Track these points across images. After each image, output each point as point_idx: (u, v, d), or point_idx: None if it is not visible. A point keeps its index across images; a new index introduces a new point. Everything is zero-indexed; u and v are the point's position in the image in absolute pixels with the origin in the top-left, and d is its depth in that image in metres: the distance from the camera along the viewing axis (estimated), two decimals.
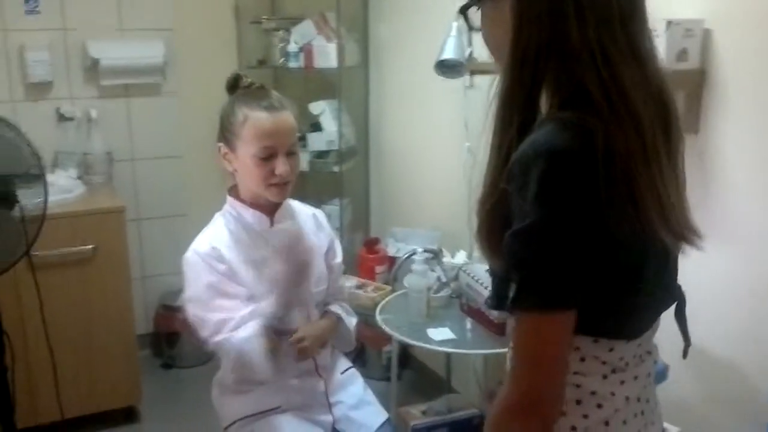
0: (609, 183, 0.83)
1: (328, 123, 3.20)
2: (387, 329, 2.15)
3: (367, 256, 2.69)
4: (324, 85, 3.33)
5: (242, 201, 1.72)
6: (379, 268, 2.70)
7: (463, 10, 1.01)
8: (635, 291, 0.94)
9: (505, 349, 2.01)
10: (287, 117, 1.66)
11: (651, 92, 0.91)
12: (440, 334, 2.10)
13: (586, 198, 0.83)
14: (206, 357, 3.37)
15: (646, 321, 1.01)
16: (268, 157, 1.62)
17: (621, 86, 0.86)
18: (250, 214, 1.72)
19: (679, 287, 1.07)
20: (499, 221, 0.90)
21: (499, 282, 0.94)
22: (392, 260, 2.69)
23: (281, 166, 1.63)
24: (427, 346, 2.07)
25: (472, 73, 2.21)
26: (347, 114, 3.29)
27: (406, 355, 3.03)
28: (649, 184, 0.87)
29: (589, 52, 0.86)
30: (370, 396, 1.91)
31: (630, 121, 0.86)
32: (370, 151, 3.46)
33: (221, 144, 1.69)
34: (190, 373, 3.28)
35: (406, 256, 2.58)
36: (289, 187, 1.69)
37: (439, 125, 2.87)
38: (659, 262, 0.97)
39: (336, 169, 3.21)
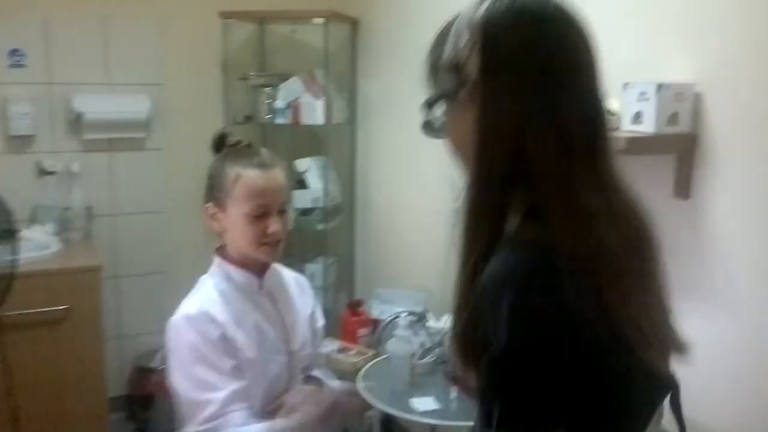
0: (578, 304, 0.81)
1: (314, 180, 3.15)
2: (369, 398, 2.05)
3: (350, 318, 2.60)
4: (311, 141, 3.30)
5: (231, 261, 1.65)
6: (362, 331, 2.61)
7: (426, 105, 0.98)
8: (624, 398, 0.88)
9: None
10: (278, 174, 1.62)
11: (618, 218, 0.89)
12: (424, 404, 2.01)
13: (558, 320, 0.81)
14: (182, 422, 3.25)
15: (642, 421, 0.95)
16: (260, 215, 1.57)
17: (585, 211, 0.85)
18: (239, 275, 1.65)
19: (673, 376, 1.00)
20: (471, 336, 0.87)
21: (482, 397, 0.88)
22: (376, 323, 2.60)
23: (274, 225, 1.57)
24: (411, 417, 1.97)
25: None
26: (333, 171, 3.25)
27: (388, 420, 2.90)
28: (619, 303, 0.84)
29: (553, 177, 0.86)
30: None
31: (594, 243, 0.84)
32: (355, 209, 3.41)
33: (209, 204, 1.63)
34: None
35: (390, 319, 2.50)
36: (281, 246, 1.63)
37: (425, 184, 2.83)
38: (645, 369, 0.91)
39: (321, 227, 3.14)
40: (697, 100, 1.68)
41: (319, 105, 3.09)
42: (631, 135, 1.64)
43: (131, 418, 3.25)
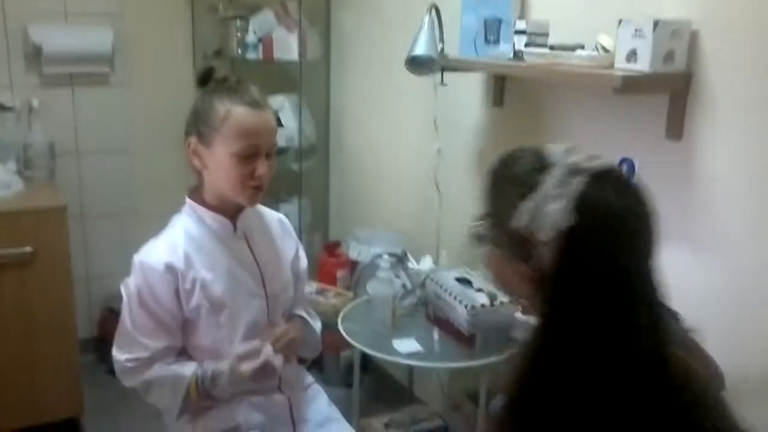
0: None
1: (288, 119, 3.05)
2: (350, 340, 2.03)
3: (328, 260, 2.56)
4: (283, 78, 3.18)
5: (205, 204, 1.58)
6: (340, 273, 2.57)
7: (475, 238, 1.02)
8: None
9: (473, 362, 1.92)
10: (270, 115, 1.54)
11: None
12: (406, 345, 1.99)
13: None
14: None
15: None
16: (248, 156, 1.48)
17: None
18: (212, 219, 1.58)
19: None
20: None
21: None
22: (354, 264, 2.56)
23: (261, 167, 1.50)
24: (394, 359, 1.96)
25: (444, 70, 2.10)
26: (307, 110, 3.15)
27: (365, 360, 2.91)
28: None
29: None
30: (336, 412, 1.80)
31: None
32: (330, 148, 3.33)
33: (192, 138, 1.53)
34: None
35: (369, 260, 2.47)
36: (264, 191, 1.56)
37: (406, 124, 2.76)
38: None
39: (295, 167, 3.06)
40: (693, 39, 1.64)
41: (293, 39, 2.97)
42: (625, 74, 1.59)
43: (102, 360, 3.19)
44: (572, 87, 1.99)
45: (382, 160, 2.97)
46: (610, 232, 0.88)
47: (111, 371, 3.06)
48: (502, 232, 0.95)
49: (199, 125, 1.51)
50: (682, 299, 1.08)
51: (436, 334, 2.07)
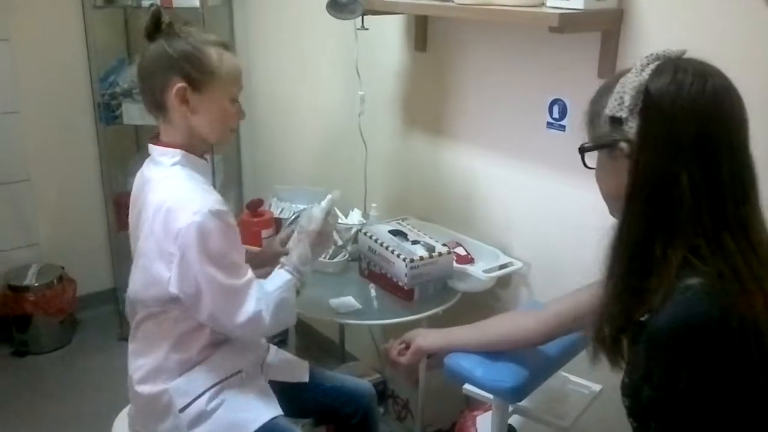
0: (745, 355, 0.91)
1: None
2: None
3: (250, 219, 2.42)
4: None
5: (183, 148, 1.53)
6: (265, 232, 2.44)
7: (582, 151, 1.09)
8: None
9: (415, 317, 1.88)
10: None
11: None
12: (345, 304, 1.92)
13: (726, 368, 0.91)
14: (66, 339, 3.02)
15: None
16: (237, 99, 1.55)
17: (744, 274, 0.93)
18: (202, 165, 1.56)
19: None
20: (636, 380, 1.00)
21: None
22: (279, 222, 2.44)
23: (242, 108, 1.56)
24: (335, 319, 1.89)
25: (365, 13, 1.99)
26: None
27: (300, 322, 2.83)
28: None
29: (708, 239, 0.94)
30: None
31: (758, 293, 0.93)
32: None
33: (180, 84, 1.46)
34: (48, 359, 2.91)
35: (293, 217, 2.36)
36: None
37: (325, 71, 2.63)
38: None
39: None
40: None
41: None
42: (561, 12, 1.54)
43: (5, 341, 2.96)
44: (501, 27, 1.93)
45: (300, 111, 2.83)
46: (684, 87, 0.96)
47: (18, 352, 2.91)
48: (598, 130, 1.06)
49: (189, 71, 1.46)
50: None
51: (372, 290, 2.00)
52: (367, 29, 2.08)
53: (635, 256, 0.99)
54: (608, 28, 1.65)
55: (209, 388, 1.51)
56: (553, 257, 1.93)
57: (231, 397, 1.53)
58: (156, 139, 1.55)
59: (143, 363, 1.54)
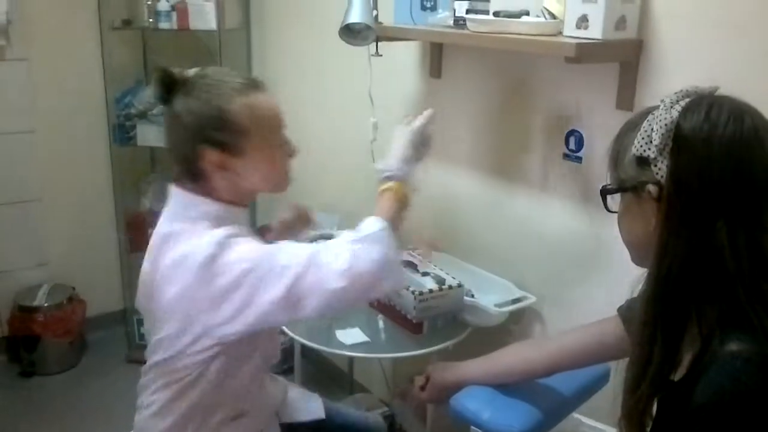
0: None
1: None
2: (291, 333, 1.89)
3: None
4: (200, 49, 2.96)
5: (229, 202, 1.32)
6: None
7: (604, 193, 1.01)
8: None
9: (423, 350, 1.83)
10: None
11: None
12: (351, 336, 1.87)
13: None
14: (74, 360, 2.99)
15: None
16: (286, 142, 1.35)
17: None
18: (244, 216, 1.36)
19: None
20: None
21: None
22: None
23: (293, 145, 1.37)
24: (340, 352, 1.83)
25: (378, 39, 1.96)
26: None
27: (307, 352, 2.78)
28: None
29: (753, 292, 0.87)
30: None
31: None
32: None
33: (212, 154, 1.26)
34: (56, 380, 2.88)
35: (304, 243, 2.32)
36: None
37: (338, 98, 2.60)
38: None
39: None
40: (645, 4, 1.56)
41: (210, 7, 2.75)
42: (579, 41, 1.49)
43: (14, 360, 2.95)
44: (518, 56, 1.88)
45: (313, 137, 2.80)
46: (719, 126, 0.88)
47: (25, 373, 2.89)
48: (623, 170, 0.97)
49: (216, 137, 1.25)
50: None
51: (381, 322, 1.95)
52: (380, 55, 2.05)
53: (668, 313, 0.91)
54: (627, 59, 1.60)
55: None
56: (567, 293, 1.87)
57: None
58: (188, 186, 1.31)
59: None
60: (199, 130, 1.25)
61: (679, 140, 0.89)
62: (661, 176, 0.91)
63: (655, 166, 0.91)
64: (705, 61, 1.48)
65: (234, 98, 1.26)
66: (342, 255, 1.20)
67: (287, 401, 1.60)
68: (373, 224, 1.26)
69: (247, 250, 1.22)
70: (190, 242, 1.24)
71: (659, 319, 0.92)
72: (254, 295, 1.19)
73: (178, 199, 1.32)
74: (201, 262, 1.20)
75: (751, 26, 1.40)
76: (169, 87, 1.27)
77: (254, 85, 1.31)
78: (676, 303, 0.90)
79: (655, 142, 0.91)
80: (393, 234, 1.26)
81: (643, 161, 0.93)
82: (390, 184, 1.36)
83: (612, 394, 1.50)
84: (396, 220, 1.31)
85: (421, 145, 1.46)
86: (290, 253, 1.23)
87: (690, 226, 0.89)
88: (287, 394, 1.61)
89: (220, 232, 1.23)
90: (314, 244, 1.28)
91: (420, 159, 1.46)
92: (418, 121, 1.45)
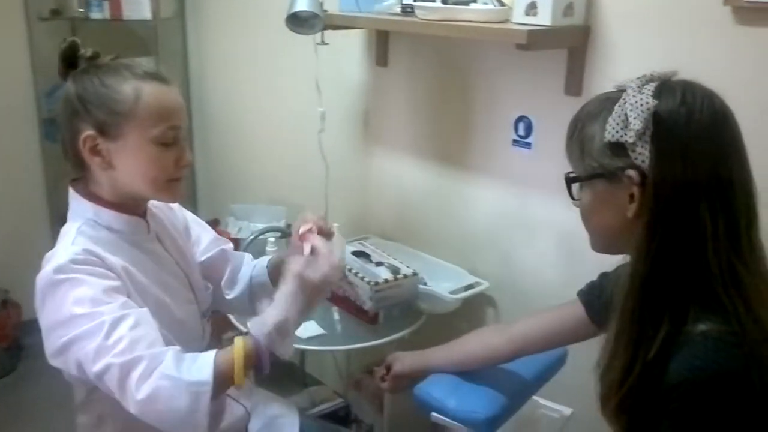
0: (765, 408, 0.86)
1: None
2: (242, 326, 1.85)
3: None
4: (134, 40, 2.87)
5: (105, 203, 1.25)
6: None
7: (569, 182, 1.01)
8: None
9: (380, 341, 1.82)
10: (178, 90, 1.26)
11: None
12: (307, 329, 1.84)
13: (746, 416, 0.86)
14: (11, 366, 2.86)
15: None
16: (169, 142, 1.21)
17: (757, 303, 0.89)
18: (123, 222, 1.26)
19: None
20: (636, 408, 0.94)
21: None
22: (237, 242, 2.36)
23: (187, 153, 1.24)
24: (298, 346, 1.80)
25: (326, 27, 1.93)
26: None
27: None
28: None
29: (725, 271, 0.89)
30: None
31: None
32: (192, 117, 3.05)
33: (88, 132, 1.19)
34: None
35: (252, 237, 2.28)
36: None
37: (283, 88, 2.56)
38: None
39: None
40: None
41: None
42: (530, 28, 1.50)
43: None
44: (465, 44, 1.89)
45: (257, 128, 2.76)
46: (695, 110, 0.90)
47: None
48: (592, 159, 0.96)
49: (96, 115, 1.19)
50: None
51: (336, 314, 1.94)
52: (327, 44, 2.02)
53: (655, 292, 0.92)
54: (575, 45, 1.63)
55: None
56: (519, 277, 1.89)
57: None
58: (78, 185, 1.26)
59: None
60: (82, 105, 1.19)
61: (659, 124, 0.90)
62: (642, 161, 0.91)
63: (634, 151, 0.91)
64: (650, 46, 1.52)
65: (128, 80, 1.19)
66: (149, 381, 1.06)
67: (260, 427, 1.50)
68: (204, 368, 1.09)
69: (80, 297, 1.13)
70: (55, 248, 1.20)
71: (648, 299, 0.92)
72: (72, 346, 1.13)
73: (70, 196, 1.27)
74: (42, 286, 1.18)
75: (696, 12, 1.44)
76: (71, 61, 1.23)
77: (158, 78, 1.23)
78: (662, 283, 0.91)
79: (634, 127, 0.90)
80: (219, 392, 1.11)
81: (618, 147, 0.93)
82: (244, 338, 1.18)
83: (568, 375, 1.54)
84: (233, 380, 1.14)
85: (320, 297, 1.25)
86: (124, 334, 1.09)
87: (677, 209, 0.89)
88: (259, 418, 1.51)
89: (69, 252, 1.16)
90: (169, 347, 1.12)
91: (312, 307, 1.25)
92: (338, 253, 1.23)
